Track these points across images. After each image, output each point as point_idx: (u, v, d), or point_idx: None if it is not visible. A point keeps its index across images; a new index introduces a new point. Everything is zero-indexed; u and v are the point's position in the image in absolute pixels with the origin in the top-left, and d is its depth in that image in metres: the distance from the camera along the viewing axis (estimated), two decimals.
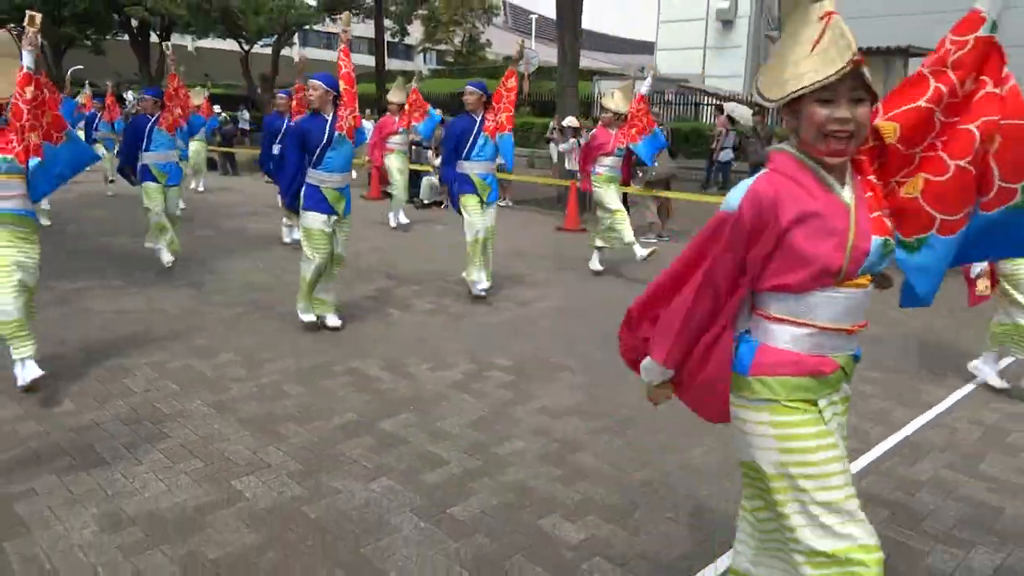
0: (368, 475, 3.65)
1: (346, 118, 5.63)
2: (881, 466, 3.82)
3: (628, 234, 7.84)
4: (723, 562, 2.97)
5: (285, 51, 29.49)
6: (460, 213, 6.92)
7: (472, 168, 6.76)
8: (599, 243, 8.19)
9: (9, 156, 4.27)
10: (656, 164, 10.40)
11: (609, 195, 7.95)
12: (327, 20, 28.15)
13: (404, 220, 11.28)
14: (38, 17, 4.38)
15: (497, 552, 3.03)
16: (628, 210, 11.03)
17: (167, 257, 7.74)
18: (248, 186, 17.13)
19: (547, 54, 28.27)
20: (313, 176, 5.68)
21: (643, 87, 8.34)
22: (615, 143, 7.97)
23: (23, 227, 4.43)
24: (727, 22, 27.24)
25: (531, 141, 21.91)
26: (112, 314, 6.36)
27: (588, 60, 33.81)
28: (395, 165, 11.51)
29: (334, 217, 5.74)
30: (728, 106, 18.67)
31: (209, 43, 32.28)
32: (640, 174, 10.70)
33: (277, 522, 3.22)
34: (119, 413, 4.34)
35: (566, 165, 12.28)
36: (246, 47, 25.93)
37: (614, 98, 8.04)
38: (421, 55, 56.32)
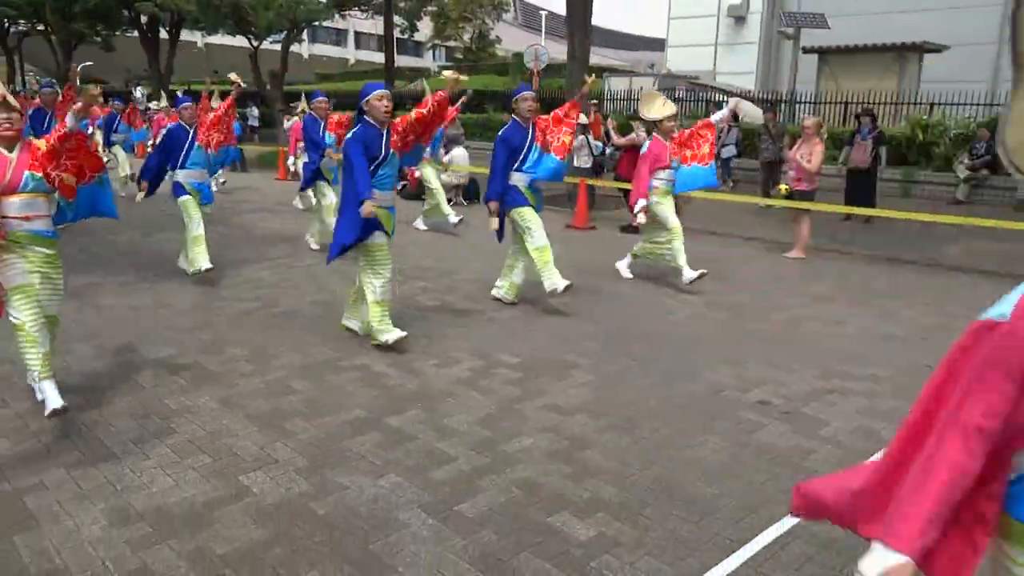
0: (376, 471, 3.65)
1: (399, 135, 5.30)
2: None
3: (681, 256, 7.23)
4: (732, 562, 2.95)
5: (294, 47, 29.54)
6: (498, 231, 6.56)
7: (522, 180, 6.42)
8: (639, 251, 7.74)
9: (38, 174, 3.99)
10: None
11: (667, 210, 7.41)
12: (336, 16, 28.13)
13: (423, 227, 10.83)
14: (92, 85, 4.25)
15: (505, 549, 3.02)
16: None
17: (206, 263, 7.28)
18: (257, 183, 17.14)
19: (557, 51, 28.21)
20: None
21: (715, 116, 7.73)
22: (671, 155, 7.47)
23: (49, 249, 4.12)
24: (739, 18, 27.09)
25: None
26: (121, 310, 6.38)
27: (598, 57, 33.77)
28: (431, 174, 10.85)
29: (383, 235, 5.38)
30: (733, 102, 18.57)
31: (218, 39, 32.36)
32: None
33: (284, 518, 3.21)
34: (127, 408, 4.35)
35: (575, 162, 12.23)
36: (255, 43, 25.96)
37: (653, 106, 7.51)
38: (430, 52, 56.32)
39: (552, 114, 6.58)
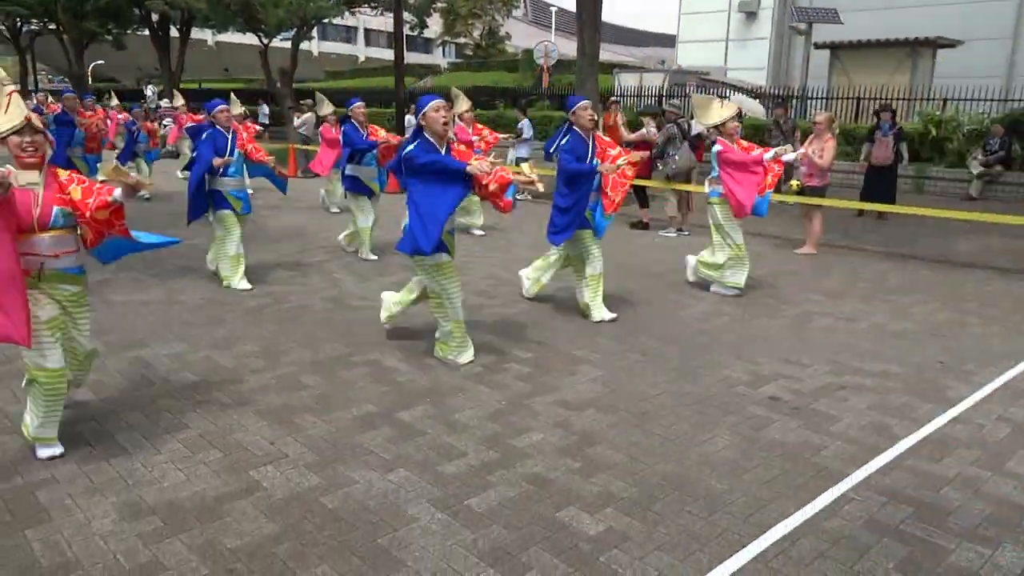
0: (386, 466, 3.65)
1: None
2: (905, 462, 3.76)
3: (741, 276, 6.85)
4: (741, 557, 2.94)
5: (304, 45, 29.61)
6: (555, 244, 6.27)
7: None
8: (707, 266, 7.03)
9: (67, 209, 3.62)
10: (678, 158, 10.33)
11: (734, 223, 6.83)
12: (346, 13, 28.18)
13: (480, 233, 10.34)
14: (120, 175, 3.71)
15: (514, 543, 3.02)
16: (648, 203, 11.00)
17: (245, 284, 7.01)
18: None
19: (566, 47, 28.17)
20: None
21: (788, 156, 7.07)
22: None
23: (75, 286, 3.76)
24: (750, 14, 26.98)
25: (550, 134, 21.86)
26: (132, 305, 6.41)
27: (608, 53, 33.68)
28: None
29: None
30: (735, 99, 18.48)
31: (228, 37, 32.50)
32: (660, 167, 10.64)
33: (295, 512, 3.22)
34: (139, 403, 4.37)
35: None
36: (265, 41, 26.03)
37: (710, 111, 6.96)
38: (440, 48, 56.33)
39: (616, 152, 6.06)
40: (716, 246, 6.96)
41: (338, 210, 11.93)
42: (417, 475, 3.56)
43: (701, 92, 20.97)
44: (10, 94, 3.48)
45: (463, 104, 10.27)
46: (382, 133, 8.62)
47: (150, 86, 30.16)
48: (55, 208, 3.57)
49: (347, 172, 8.26)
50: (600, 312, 6.11)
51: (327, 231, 10.21)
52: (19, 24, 32.49)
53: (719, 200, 6.84)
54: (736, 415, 4.30)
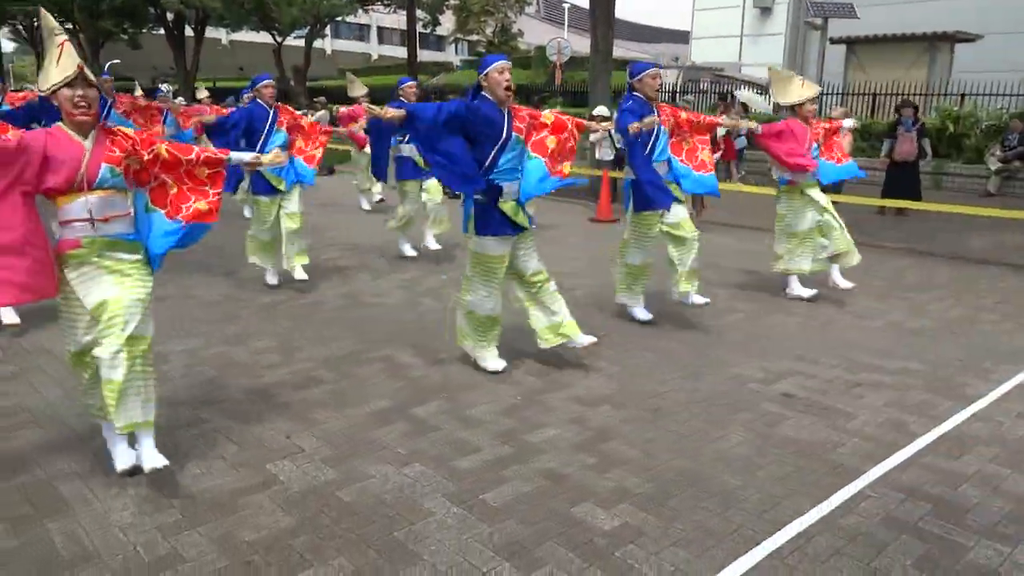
0: (401, 460, 3.67)
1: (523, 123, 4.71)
2: (923, 459, 3.73)
3: (804, 262, 6.50)
4: (757, 553, 2.93)
5: (317, 43, 29.70)
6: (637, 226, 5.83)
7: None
8: (788, 266, 6.64)
9: (117, 168, 3.31)
10: None
11: (799, 211, 6.49)
12: (359, 11, 28.25)
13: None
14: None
15: (530, 538, 3.02)
16: None
17: (300, 274, 6.84)
18: None
19: (579, 44, 28.10)
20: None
21: (848, 122, 7.11)
22: (811, 142, 6.45)
23: (131, 254, 3.40)
24: (765, 9, 26.83)
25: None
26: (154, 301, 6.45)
27: (621, 50, 33.55)
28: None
29: (516, 235, 4.73)
30: (741, 95, 18.35)
31: (242, 36, 32.67)
32: None
33: (311, 505, 3.24)
34: (156, 398, 4.39)
35: (596, 155, 12.18)
36: (279, 39, 26.16)
37: (790, 89, 6.48)
38: (452, 46, 56.35)
39: (685, 113, 5.80)
40: (776, 240, 6.70)
41: (369, 208, 11.88)
42: (432, 470, 3.58)
43: (715, 88, 20.89)
44: (61, 44, 3.22)
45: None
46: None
47: (165, 84, 30.35)
48: (103, 165, 3.26)
49: (401, 153, 7.87)
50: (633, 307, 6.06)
51: (340, 228, 10.25)
52: (36, 23, 32.77)
53: (785, 188, 6.54)
54: (749, 412, 4.29)
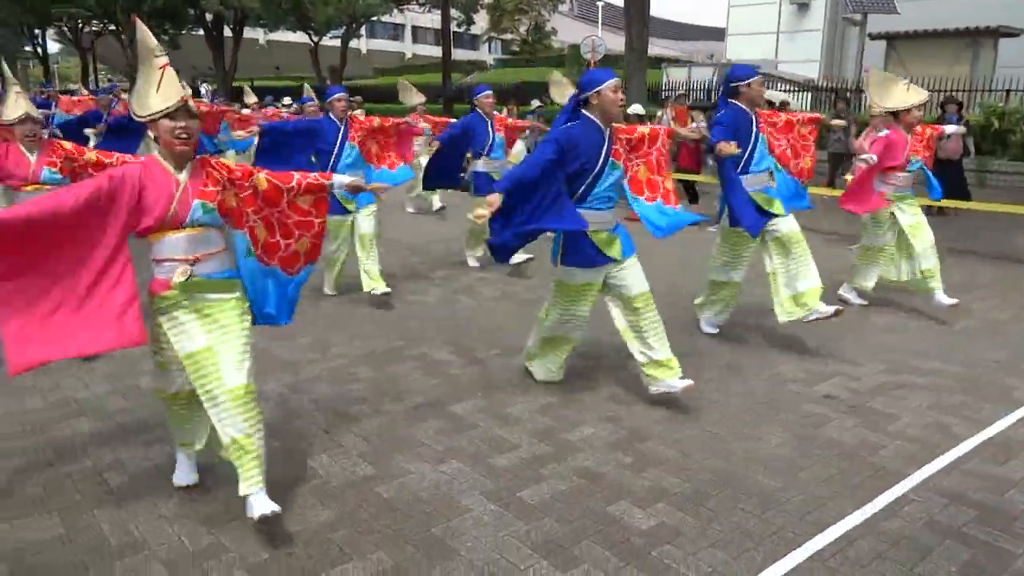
0: (438, 457, 3.69)
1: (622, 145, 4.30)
2: (967, 464, 3.66)
3: (872, 275, 6.21)
4: (797, 555, 2.90)
5: (352, 43, 29.96)
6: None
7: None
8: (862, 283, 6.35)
9: (210, 204, 3.01)
10: None
11: (879, 222, 6.08)
12: (394, 11, 28.46)
13: None
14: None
15: (566, 536, 3.03)
16: (697, 199, 10.89)
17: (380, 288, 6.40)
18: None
19: (613, 42, 27.97)
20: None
21: (950, 128, 6.70)
22: (910, 153, 5.97)
23: (229, 293, 3.10)
24: (802, 5, 26.43)
25: None
26: None
27: (656, 48, 33.38)
28: None
29: (609, 264, 4.27)
30: (771, 95, 18.06)
31: (280, 36, 33.09)
32: (711, 162, 10.53)
33: (350, 500, 3.28)
34: None
35: None
36: (315, 39, 26.44)
37: (894, 92, 5.89)
38: (486, 44, 56.48)
39: (645, 132, 4.71)
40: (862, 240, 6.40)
41: (414, 210, 11.69)
42: (469, 467, 3.60)
43: None
44: (163, 68, 2.94)
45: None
46: (509, 122, 8.05)
47: (204, 84, 30.86)
48: (195, 202, 2.99)
49: (477, 168, 7.55)
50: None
51: (381, 227, 10.32)
52: (80, 25, 33.54)
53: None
54: (789, 412, 4.24)
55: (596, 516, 3.18)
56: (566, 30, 50.57)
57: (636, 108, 12.95)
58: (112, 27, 31.09)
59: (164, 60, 2.95)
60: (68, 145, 5.25)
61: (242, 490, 2.98)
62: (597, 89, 4.08)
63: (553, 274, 4.49)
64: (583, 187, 4.12)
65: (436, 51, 30.33)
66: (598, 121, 4.11)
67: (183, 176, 2.99)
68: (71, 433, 3.92)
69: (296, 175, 3.30)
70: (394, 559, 2.88)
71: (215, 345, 3.00)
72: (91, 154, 5.17)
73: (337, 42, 28.74)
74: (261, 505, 2.93)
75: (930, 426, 4.07)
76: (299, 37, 29.50)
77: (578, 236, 4.13)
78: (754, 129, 5.14)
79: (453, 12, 28.38)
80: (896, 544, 2.98)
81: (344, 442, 3.85)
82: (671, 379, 4.21)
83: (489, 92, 7.68)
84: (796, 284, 5.13)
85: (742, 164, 5.08)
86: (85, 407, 4.24)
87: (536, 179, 3.92)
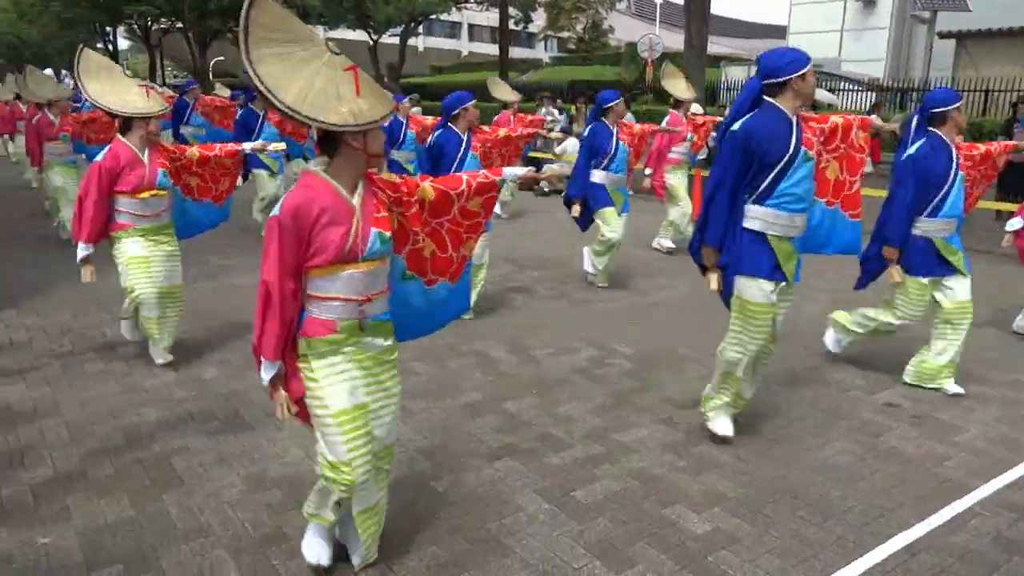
0: (493, 454, 3.72)
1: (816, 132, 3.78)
2: None
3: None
4: (858, 566, 2.85)
5: (410, 41, 30.26)
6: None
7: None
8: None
9: (387, 234, 2.56)
10: None
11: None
12: (452, 9, 28.65)
13: (670, 244, 8.72)
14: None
15: (621, 537, 3.03)
16: None
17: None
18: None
19: (670, 40, 27.68)
20: (758, 216, 3.56)
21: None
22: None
23: (388, 340, 2.71)
24: (868, 2, 25.76)
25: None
26: (250, 289, 6.73)
27: (715, 46, 32.89)
28: (679, 182, 8.59)
29: (781, 283, 3.66)
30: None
31: (338, 34, 33.57)
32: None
33: (407, 494, 3.33)
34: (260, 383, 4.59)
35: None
36: (374, 37, 26.79)
37: None
38: (542, 43, 56.43)
39: (839, 123, 3.99)
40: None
41: (505, 216, 11.13)
42: (523, 464, 3.62)
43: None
44: (352, 70, 2.42)
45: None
46: (637, 128, 7.13)
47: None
48: (372, 230, 2.52)
49: (594, 180, 6.64)
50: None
51: None
52: (149, 23, 34.58)
53: None
54: (850, 420, 4.16)
55: (651, 518, 3.17)
56: (623, 28, 50.19)
57: (696, 108, 12.77)
58: (179, 25, 31.98)
59: (349, 63, 2.45)
60: (168, 144, 4.93)
61: (358, 560, 2.80)
62: (801, 72, 3.45)
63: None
64: (767, 181, 3.50)
65: (492, 49, 30.48)
66: (785, 109, 3.51)
67: (356, 200, 2.52)
68: (139, 420, 4.07)
69: (464, 176, 2.90)
70: (449, 553, 2.92)
71: (372, 404, 2.62)
72: (193, 150, 4.91)
73: (395, 40, 29.06)
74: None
75: (997, 439, 3.94)
76: (358, 35, 29.90)
77: (759, 237, 3.56)
78: (954, 165, 4.37)
79: (511, 10, 28.45)
80: (962, 558, 2.90)
81: (401, 435, 3.90)
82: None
83: (620, 100, 6.78)
84: (941, 357, 4.57)
85: (931, 207, 4.40)
86: (153, 394, 4.39)
87: (733, 189, 3.52)
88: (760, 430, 4.03)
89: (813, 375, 4.83)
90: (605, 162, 6.60)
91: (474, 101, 5.76)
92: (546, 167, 2.94)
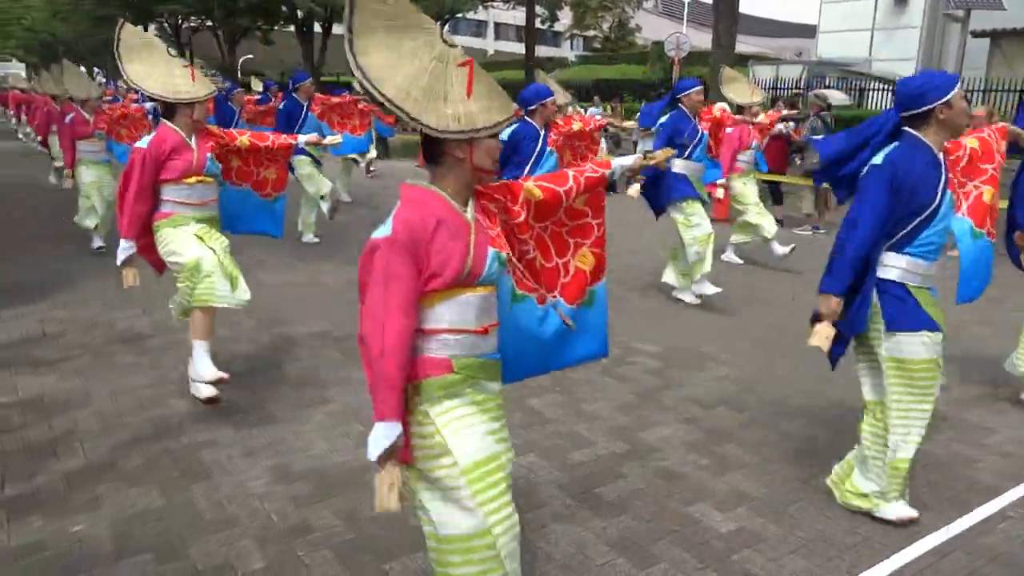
0: (516, 450, 3.65)
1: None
2: None
3: None
4: (886, 566, 2.82)
5: None
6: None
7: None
8: None
9: (504, 253, 2.18)
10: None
11: None
12: (479, 8, 28.70)
13: (738, 260, 8.22)
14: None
15: (644, 535, 3.02)
16: (781, 200, 10.60)
17: None
18: (400, 171, 17.75)
19: (698, 39, 27.52)
20: (895, 265, 3.04)
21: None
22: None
23: (498, 383, 2.32)
24: (900, 0, 25.38)
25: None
26: (281, 287, 6.82)
27: (743, 45, 32.62)
28: (747, 189, 7.95)
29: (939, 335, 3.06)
30: (824, 92, 17.32)
31: None
32: (799, 162, 10.25)
33: None
34: (286, 377, 4.66)
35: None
36: None
37: None
38: (568, 41, 56.33)
39: (975, 147, 3.72)
40: None
41: None
42: (546, 460, 3.62)
43: (842, 85, 19.96)
44: (467, 67, 2.07)
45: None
46: (716, 111, 6.78)
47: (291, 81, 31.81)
48: (489, 249, 2.13)
49: (675, 170, 6.16)
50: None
51: None
52: (180, 21, 35.03)
53: None
54: None
55: (674, 516, 3.16)
56: (650, 27, 49.93)
57: (723, 106, 12.68)
58: (209, 23, 32.34)
59: (464, 57, 2.10)
60: (216, 129, 4.51)
61: None
62: (946, 99, 2.89)
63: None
64: (909, 228, 2.98)
65: (518, 47, 30.47)
66: (930, 143, 2.96)
67: (469, 214, 2.14)
68: (168, 412, 4.13)
69: (570, 172, 2.49)
70: None
71: (502, 455, 2.21)
72: (244, 138, 4.55)
73: None
74: None
75: None
76: None
77: (899, 289, 3.03)
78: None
79: (537, 9, 28.40)
80: (993, 560, 2.86)
81: None
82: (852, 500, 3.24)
83: (700, 88, 6.34)
84: None
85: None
86: (183, 388, 4.45)
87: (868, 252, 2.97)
88: (786, 430, 4.00)
89: (840, 377, 4.77)
90: (687, 151, 6.18)
91: (554, 97, 5.44)
92: (650, 152, 2.74)
